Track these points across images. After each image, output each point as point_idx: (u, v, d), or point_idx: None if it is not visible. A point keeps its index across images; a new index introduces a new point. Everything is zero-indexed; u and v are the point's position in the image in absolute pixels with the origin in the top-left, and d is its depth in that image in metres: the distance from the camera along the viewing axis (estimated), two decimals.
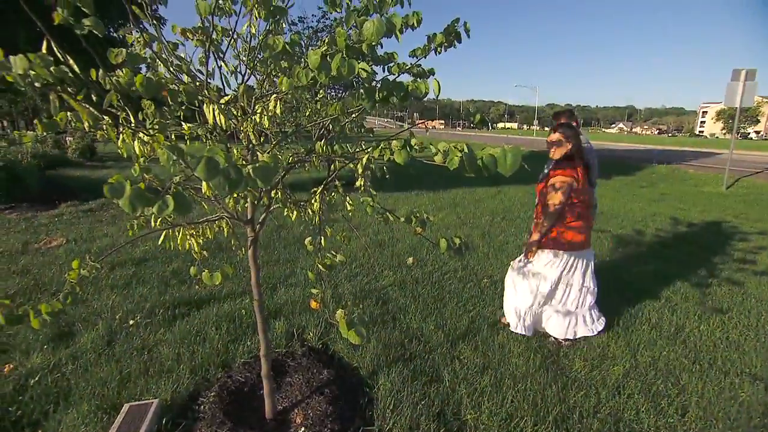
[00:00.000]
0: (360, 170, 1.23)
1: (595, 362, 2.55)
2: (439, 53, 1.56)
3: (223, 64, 1.33)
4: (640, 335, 2.84)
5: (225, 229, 1.54)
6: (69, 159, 11.27)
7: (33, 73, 0.95)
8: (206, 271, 1.27)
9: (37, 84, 0.98)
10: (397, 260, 4.15)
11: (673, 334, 2.86)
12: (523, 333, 2.78)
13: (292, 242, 4.65)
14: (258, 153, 1.46)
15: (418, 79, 1.15)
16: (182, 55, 1.39)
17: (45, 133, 1.26)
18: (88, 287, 3.29)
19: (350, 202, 1.47)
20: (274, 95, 1.16)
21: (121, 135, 1.24)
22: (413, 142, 1.21)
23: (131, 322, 2.76)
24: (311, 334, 2.66)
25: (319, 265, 1.39)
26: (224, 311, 2.90)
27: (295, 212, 1.51)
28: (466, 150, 1.10)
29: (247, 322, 2.77)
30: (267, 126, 1.22)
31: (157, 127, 1.20)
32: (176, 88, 0.99)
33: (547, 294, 2.73)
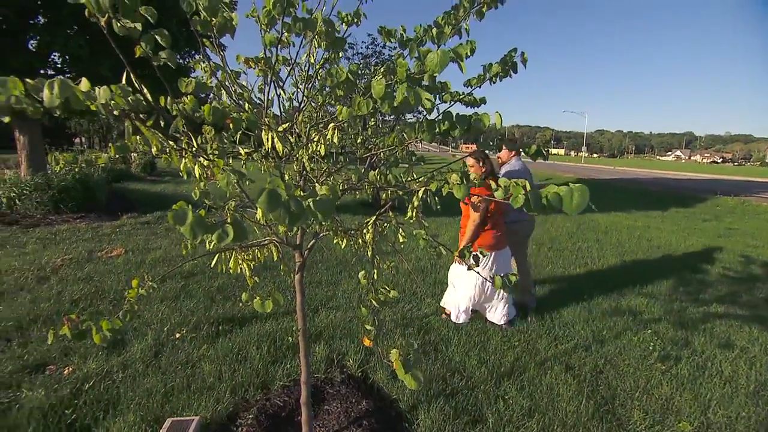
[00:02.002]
0: (415, 203, 1.19)
1: (656, 416, 2.31)
2: (494, 83, 1.52)
3: (281, 92, 1.36)
4: (711, 389, 2.54)
5: (274, 253, 1.55)
6: (132, 173, 12.20)
7: (113, 102, 1.02)
8: (258, 298, 1.27)
9: (115, 112, 1.04)
10: (440, 288, 4.04)
11: (753, 392, 2.53)
12: (462, 322, 3.31)
13: (334, 264, 4.67)
14: (311, 179, 1.48)
15: (478, 111, 1.12)
16: (243, 83, 1.45)
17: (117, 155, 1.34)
18: (142, 299, 3.45)
19: (402, 234, 1.43)
20: (332, 124, 1.17)
21: (183, 159, 1.29)
22: (472, 176, 1.17)
23: (177, 335, 2.84)
24: (351, 361, 2.61)
25: (373, 301, 1.35)
26: (266, 331, 2.92)
27: (344, 240, 1.50)
28: (528, 186, 1.05)
29: (288, 344, 2.77)
30: (323, 153, 1.22)
31: (216, 152, 1.24)
32: (239, 116, 1.02)
33: (482, 289, 3.27)
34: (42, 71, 5.92)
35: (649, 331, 3.37)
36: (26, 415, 1.98)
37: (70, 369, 2.42)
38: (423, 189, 1.17)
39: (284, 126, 1.19)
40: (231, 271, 1.48)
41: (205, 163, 1.26)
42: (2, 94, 0.75)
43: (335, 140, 1.15)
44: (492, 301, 3.34)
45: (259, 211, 1.17)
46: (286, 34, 1.08)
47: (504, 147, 3.70)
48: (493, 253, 3.22)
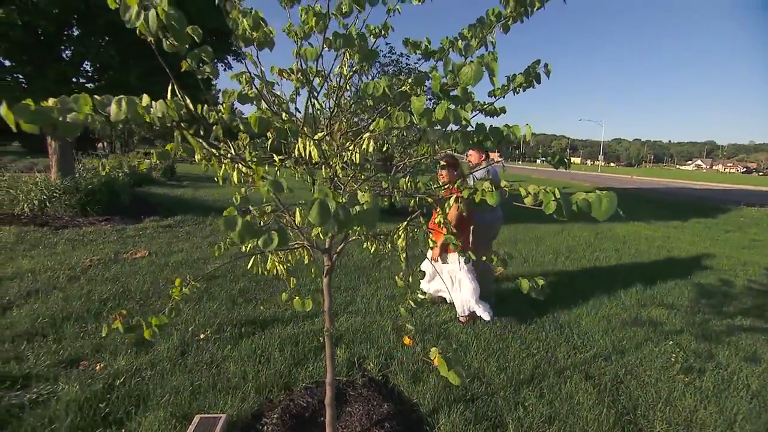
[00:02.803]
0: (448, 210, 1.24)
1: (680, 428, 2.28)
2: (517, 93, 1.57)
3: (315, 102, 1.43)
4: (738, 403, 2.50)
5: (305, 257, 1.61)
6: (153, 178, 12.54)
7: (166, 114, 1.10)
8: (297, 298, 1.32)
9: (168, 123, 1.12)
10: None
11: None
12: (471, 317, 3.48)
13: (352, 270, 4.73)
14: (340, 185, 1.54)
15: (497, 121, 1.17)
16: (278, 92, 1.52)
17: (158, 161, 1.43)
18: (166, 299, 3.56)
19: (432, 239, 1.48)
20: (368, 134, 1.23)
21: (223, 165, 1.36)
22: (503, 183, 1.21)
23: (202, 336, 2.92)
24: (371, 365, 2.65)
25: (410, 302, 1.40)
26: (287, 334, 2.99)
27: (374, 246, 1.55)
28: (557, 193, 1.09)
29: (309, 347, 2.82)
30: (357, 162, 1.28)
31: (255, 159, 1.31)
32: (282, 125, 1.09)
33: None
34: (74, 79, 6.20)
35: (671, 342, 3.32)
36: (64, 408, 2.07)
37: (102, 365, 2.51)
38: (455, 196, 1.21)
39: (321, 135, 1.26)
40: (266, 272, 1.54)
41: (244, 170, 1.34)
42: (78, 112, 0.83)
43: (371, 149, 1.20)
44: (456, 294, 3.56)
45: (298, 216, 1.24)
46: (325, 47, 1.15)
47: (475, 150, 4.01)
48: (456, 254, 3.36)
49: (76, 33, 5.66)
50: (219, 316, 3.25)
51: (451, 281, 3.54)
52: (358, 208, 0.77)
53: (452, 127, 1.11)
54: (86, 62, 6.01)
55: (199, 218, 7.21)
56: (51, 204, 6.39)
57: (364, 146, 1.22)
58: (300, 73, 1.30)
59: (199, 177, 14.61)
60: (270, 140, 1.46)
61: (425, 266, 3.93)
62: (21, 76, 5.74)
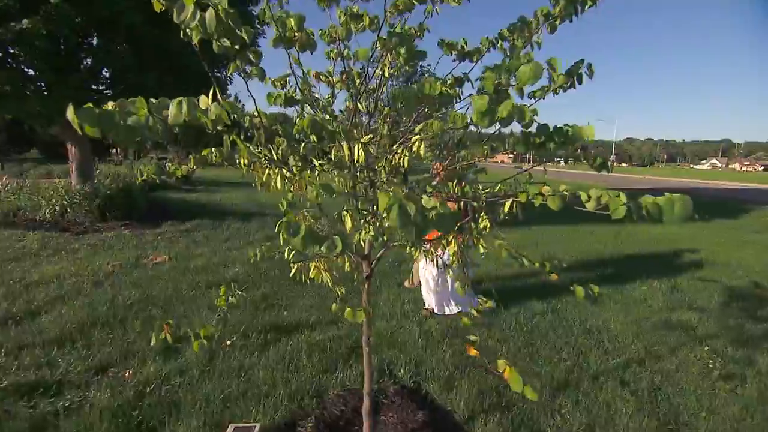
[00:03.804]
0: (502, 215, 1.19)
1: None
2: (557, 94, 1.51)
3: (359, 104, 1.39)
4: None
5: (346, 263, 1.57)
6: (168, 182, 12.69)
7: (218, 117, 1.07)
8: (349, 308, 1.28)
9: (219, 126, 1.09)
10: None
11: None
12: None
13: (376, 275, 4.68)
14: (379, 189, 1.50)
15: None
16: (316, 95, 1.49)
17: (189, 165, 1.41)
18: (189, 305, 3.56)
19: (483, 244, 1.43)
20: (418, 137, 1.18)
21: (267, 171, 1.33)
22: (562, 187, 1.16)
23: (228, 342, 2.90)
24: (402, 371, 2.60)
25: (473, 311, 1.35)
26: (314, 340, 2.95)
27: (417, 252, 1.51)
28: (623, 197, 1.03)
29: (337, 353, 2.78)
30: (407, 165, 1.24)
31: (300, 164, 1.27)
32: (334, 128, 1.05)
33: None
34: (93, 86, 6.29)
35: (706, 347, 3.21)
36: (98, 415, 2.06)
37: (131, 372, 2.50)
38: (511, 200, 1.16)
39: (367, 137, 1.22)
40: (310, 280, 1.50)
41: (288, 175, 1.30)
42: (137, 115, 0.80)
43: (421, 152, 1.16)
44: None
45: (348, 221, 1.20)
46: (379, 48, 1.11)
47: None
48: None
49: (96, 41, 5.74)
50: (243, 323, 3.23)
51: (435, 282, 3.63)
52: (434, 212, 0.73)
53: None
54: (105, 69, 6.10)
55: (216, 222, 7.24)
56: (71, 210, 6.48)
57: (414, 149, 1.18)
58: (344, 75, 1.27)
59: (213, 181, 14.73)
60: (304, 145, 1.44)
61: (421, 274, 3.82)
62: (43, 84, 5.85)
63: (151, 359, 2.65)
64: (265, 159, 1.23)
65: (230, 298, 1.46)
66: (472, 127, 1.36)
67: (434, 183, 3.03)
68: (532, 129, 1.08)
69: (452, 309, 3.62)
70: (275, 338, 3.00)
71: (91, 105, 0.69)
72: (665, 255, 6.46)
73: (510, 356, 2.88)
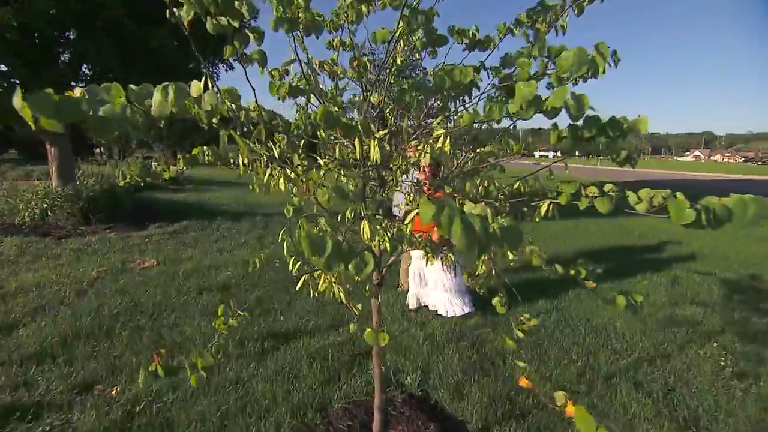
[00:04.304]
0: (536, 219, 1.06)
1: None
2: (576, 84, 1.38)
3: (371, 96, 1.24)
4: None
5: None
6: (155, 182, 12.31)
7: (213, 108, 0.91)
8: (369, 329, 1.14)
9: (214, 120, 0.93)
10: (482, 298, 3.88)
11: None
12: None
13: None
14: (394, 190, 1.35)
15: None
16: (320, 86, 1.34)
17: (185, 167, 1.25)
18: (180, 312, 3.37)
19: (513, 253, 1.29)
20: (441, 131, 1.04)
21: (268, 171, 1.17)
22: (607, 188, 1.03)
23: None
24: (409, 379, 2.47)
25: (518, 331, 1.21)
26: (314, 348, 2.80)
27: (433, 260, 1.37)
28: (681, 198, 0.91)
29: (339, 362, 2.64)
30: (428, 163, 1.10)
31: (305, 163, 1.12)
32: (350, 122, 0.90)
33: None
34: (73, 83, 5.98)
35: (715, 344, 3.15)
36: None
37: (118, 389, 2.33)
38: (549, 202, 1.02)
39: (383, 132, 1.07)
40: (314, 294, 1.35)
41: (292, 175, 1.15)
42: (112, 104, 0.63)
43: (447, 149, 1.02)
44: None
45: (367, 230, 1.05)
46: (402, 28, 0.96)
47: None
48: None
49: (73, 35, 5.44)
50: (238, 330, 3.06)
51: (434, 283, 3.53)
52: (496, 226, 0.58)
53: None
54: (85, 66, 5.80)
55: (206, 223, 7.00)
56: (52, 213, 6.18)
57: (438, 146, 1.03)
58: (356, 63, 1.11)
59: (202, 180, 14.37)
60: (303, 141, 1.28)
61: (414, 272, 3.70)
62: (17, 81, 5.53)
63: (140, 374, 2.46)
64: (266, 158, 1.07)
65: (231, 321, 1.29)
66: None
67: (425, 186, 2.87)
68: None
69: (456, 311, 3.48)
70: (273, 346, 2.84)
71: (51, 90, 0.53)
72: (661, 248, 6.45)
73: (519, 358, 2.77)
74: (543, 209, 1.05)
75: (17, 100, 0.50)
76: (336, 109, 1.22)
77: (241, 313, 1.28)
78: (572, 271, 1.25)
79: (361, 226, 1.01)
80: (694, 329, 3.46)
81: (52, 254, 4.86)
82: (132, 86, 0.70)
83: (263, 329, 3.10)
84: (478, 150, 1.26)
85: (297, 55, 1.06)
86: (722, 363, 2.87)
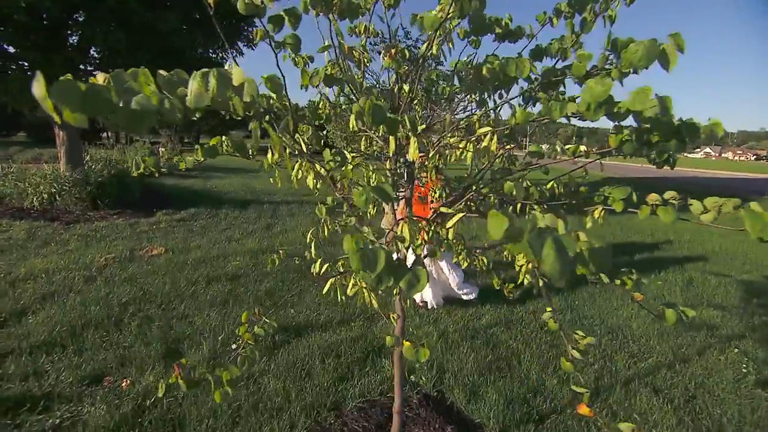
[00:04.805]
0: (588, 223, 0.97)
1: None
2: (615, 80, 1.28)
3: (407, 86, 1.15)
4: None
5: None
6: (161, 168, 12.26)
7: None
8: (409, 344, 1.06)
9: (250, 111, 0.85)
10: (493, 294, 3.81)
11: None
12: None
13: None
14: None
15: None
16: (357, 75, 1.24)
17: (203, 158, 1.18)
18: (189, 302, 3.33)
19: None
20: (485, 128, 0.95)
21: (296, 166, 1.09)
22: (668, 195, 0.94)
23: (234, 346, 2.68)
24: (423, 379, 2.41)
25: (573, 352, 1.14)
26: (326, 343, 2.75)
27: (466, 261, 1.29)
28: (759, 210, 0.82)
29: (351, 359, 2.59)
30: (469, 162, 1.01)
31: (338, 158, 1.03)
32: (396, 116, 0.81)
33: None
34: (82, 66, 5.89)
35: (735, 349, 3.07)
36: None
37: (128, 381, 2.29)
38: (600, 209, 0.94)
39: (423, 126, 0.98)
40: (341, 297, 1.28)
41: (322, 171, 1.06)
42: (146, 94, 0.55)
43: (493, 148, 0.93)
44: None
45: (406, 233, 0.97)
46: (454, 12, 0.86)
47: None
48: None
49: (82, 17, 5.33)
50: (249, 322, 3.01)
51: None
52: (583, 246, 0.50)
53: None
54: (94, 49, 5.69)
55: (213, 211, 6.96)
56: (60, 197, 6.14)
57: (485, 144, 0.94)
58: (394, 51, 1.02)
59: (207, 167, 14.31)
60: (391, 134, 1.19)
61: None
62: (26, 64, 5.45)
63: (150, 366, 2.43)
64: (296, 151, 0.99)
65: (256, 329, 1.23)
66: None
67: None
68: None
69: (440, 301, 3.52)
70: (284, 341, 2.79)
71: (70, 77, 0.45)
72: (672, 247, 6.33)
73: (533, 360, 2.70)
74: (597, 214, 0.96)
75: (39, 89, 0.42)
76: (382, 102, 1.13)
77: (268, 321, 1.21)
78: (618, 281, 1.17)
79: (400, 229, 0.93)
80: (713, 333, 3.37)
81: (60, 239, 4.84)
82: (162, 72, 0.61)
83: (275, 321, 3.04)
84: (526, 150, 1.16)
85: (332, 40, 0.97)
86: (744, 370, 2.80)
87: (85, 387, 2.22)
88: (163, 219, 6.23)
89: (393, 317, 1.23)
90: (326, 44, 0.99)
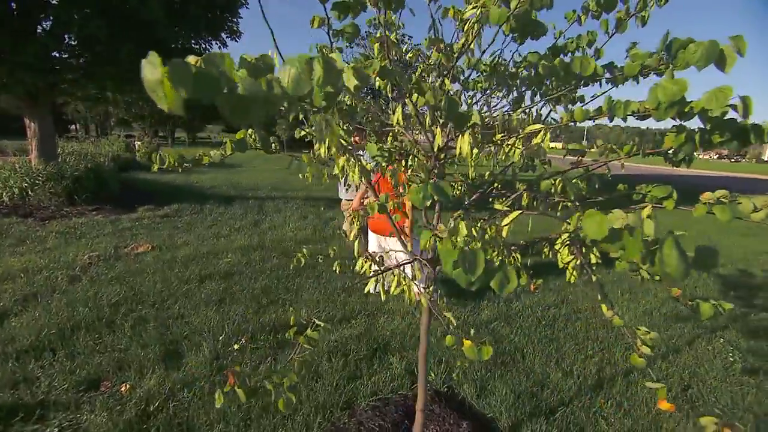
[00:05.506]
0: (646, 227, 0.97)
1: None
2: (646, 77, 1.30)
3: (447, 81, 1.12)
4: None
5: (417, 272, 1.32)
6: (138, 162, 11.83)
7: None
8: (470, 342, 1.04)
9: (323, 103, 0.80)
10: (491, 290, 3.84)
11: None
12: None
13: None
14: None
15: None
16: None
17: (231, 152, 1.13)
18: (184, 301, 3.22)
19: (596, 254, 1.22)
20: (539, 125, 0.93)
21: (341, 161, 1.05)
22: (720, 194, 0.95)
23: (236, 346, 2.60)
24: (432, 375, 2.41)
25: (643, 348, 1.14)
26: (332, 341, 2.70)
27: (498, 258, 1.27)
28: None
29: (358, 356, 2.55)
30: (516, 161, 0.99)
31: (386, 154, 1.00)
32: (468, 111, 0.78)
33: None
34: (56, 55, 5.56)
35: (721, 339, 3.21)
36: None
37: (128, 386, 2.19)
38: (650, 206, 0.94)
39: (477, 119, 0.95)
40: (383, 296, 1.24)
41: (368, 167, 1.03)
42: (253, 79, 0.50)
43: (546, 145, 0.91)
44: None
45: (463, 230, 0.94)
46: (524, 5, 0.83)
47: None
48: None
49: (55, 1, 5.02)
50: (249, 321, 2.94)
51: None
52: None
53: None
54: (69, 36, 5.38)
55: (197, 207, 6.75)
56: (33, 192, 5.82)
57: (536, 141, 0.93)
58: (442, 45, 0.99)
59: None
60: (459, 129, 1.15)
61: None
62: None
63: (149, 369, 2.33)
64: (349, 146, 0.95)
65: (309, 332, 1.18)
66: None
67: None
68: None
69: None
70: (286, 340, 2.73)
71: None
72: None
73: (536, 354, 2.75)
74: (646, 212, 0.96)
75: (153, 71, 0.37)
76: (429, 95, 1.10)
77: (322, 324, 1.16)
78: (657, 278, 1.18)
79: (459, 227, 0.90)
80: (699, 325, 3.52)
81: (37, 237, 4.59)
82: (246, 56, 0.56)
83: (273, 320, 2.99)
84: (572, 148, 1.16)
85: (386, 32, 0.93)
86: (731, 358, 2.93)
87: (81, 393, 2.11)
88: (145, 215, 6.00)
89: (449, 316, 1.21)
90: (379, 34, 0.95)
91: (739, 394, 2.51)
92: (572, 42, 1.27)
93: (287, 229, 5.71)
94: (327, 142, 0.90)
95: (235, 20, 7.36)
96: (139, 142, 13.47)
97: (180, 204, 6.79)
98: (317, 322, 1.14)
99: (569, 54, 1.27)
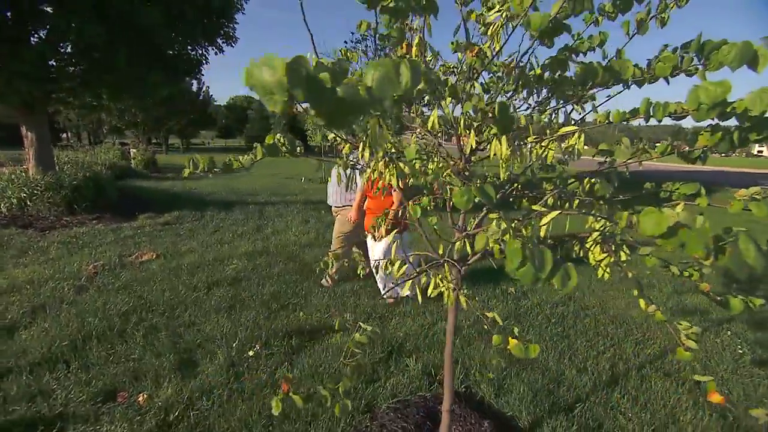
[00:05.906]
0: (699, 223, 0.99)
1: None
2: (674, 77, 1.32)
3: (475, 85, 1.13)
4: None
5: (446, 272, 1.33)
6: (134, 170, 11.75)
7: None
8: (517, 341, 1.05)
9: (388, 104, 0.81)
10: (499, 289, 3.87)
11: None
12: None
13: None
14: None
15: None
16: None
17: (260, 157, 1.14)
18: (194, 309, 3.20)
19: (626, 251, 1.23)
20: (572, 127, 0.95)
21: (379, 164, 1.05)
22: (753, 191, 0.97)
23: (251, 353, 2.60)
24: None
25: (689, 342, 1.15)
26: (344, 344, 2.70)
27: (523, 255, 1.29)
28: None
29: (374, 358, 2.56)
30: (549, 161, 1.01)
31: (424, 158, 1.01)
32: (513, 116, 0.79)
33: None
34: (53, 62, 5.51)
35: (728, 332, 3.25)
36: None
37: (145, 396, 2.17)
38: (682, 204, 0.96)
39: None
40: (420, 299, 1.25)
41: (406, 170, 1.03)
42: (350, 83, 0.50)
43: (581, 147, 0.93)
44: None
45: (494, 227, 0.95)
46: (566, 9, 0.84)
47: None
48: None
49: (50, 8, 4.96)
50: (261, 327, 2.93)
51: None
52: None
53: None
54: (67, 43, 5.33)
55: (198, 213, 6.72)
56: (32, 202, 5.76)
57: (570, 142, 0.94)
58: (477, 50, 1.00)
59: (181, 167, 13.82)
60: (501, 133, 1.16)
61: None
62: None
63: (166, 378, 2.32)
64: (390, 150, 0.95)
65: (357, 336, 1.18)
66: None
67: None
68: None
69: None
70: (300, 345, 2.73)
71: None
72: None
73: (549, 351, 2.77)
74: (679, 209, 0.98)
75: (276, 72, 0.37)
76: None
77: (368, 328, 1.17)
78: (686, 273, 1.20)
79: (492, 226, 0.91)
80: (705, 318, 3.56)
81: (38, 247, 4.54)
82: (320, 59, 0.56)
83: (285, 325, 2.98)
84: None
85: (423, 38, 0.94)
86: (740, 351, 2.96)
87: (99, 404, 2.09)
88: (146, 223, 5.96)
89: (493, 315, 1.22)
90: (417, 39, 0.96)
91: (750, 386, 2.55)
92: (583, 43, 1.29)
93: (290, 234, 5.69)
94: (369, 146, 0.91)
95: (231, 25, 7.35)
96: (134, 150, 13.40)
97: (180, 211, 6.76)
98: (362, 325, 1.14)
99: (580, 54, 1.29)
